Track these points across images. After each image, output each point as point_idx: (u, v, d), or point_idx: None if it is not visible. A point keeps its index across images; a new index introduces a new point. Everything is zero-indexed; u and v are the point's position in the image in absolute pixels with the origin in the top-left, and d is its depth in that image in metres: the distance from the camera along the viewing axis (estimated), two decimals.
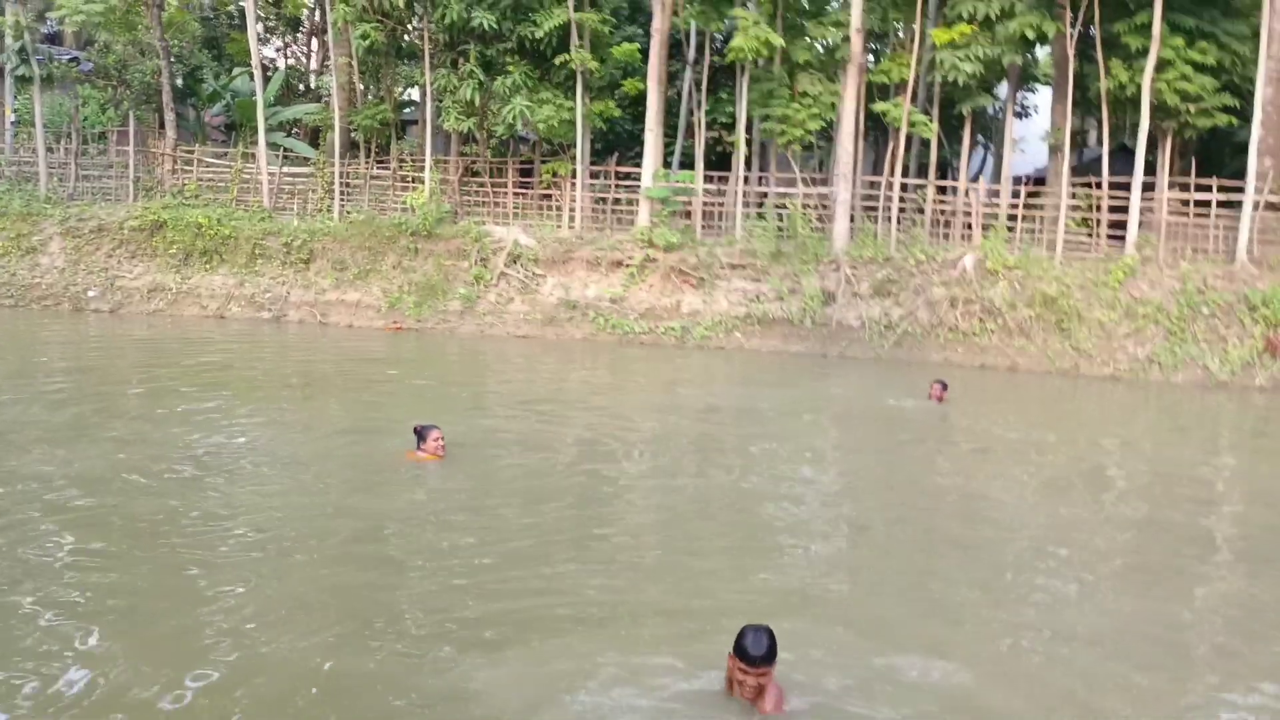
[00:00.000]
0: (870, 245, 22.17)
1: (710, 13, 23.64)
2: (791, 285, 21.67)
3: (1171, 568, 8.43)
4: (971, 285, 20.87)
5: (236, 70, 33.32)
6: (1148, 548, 8.96)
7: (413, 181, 25.93)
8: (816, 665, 5.99)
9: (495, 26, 23.19)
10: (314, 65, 37.30)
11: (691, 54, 26.83)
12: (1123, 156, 26.26)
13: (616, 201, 25.22)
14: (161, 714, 5.29)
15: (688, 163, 25.99)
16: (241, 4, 32.21)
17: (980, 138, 33.63)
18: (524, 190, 25.87)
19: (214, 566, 7.35)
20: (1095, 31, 21.97)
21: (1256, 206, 20.60)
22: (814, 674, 5.85)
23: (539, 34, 23.12)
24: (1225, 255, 21.04)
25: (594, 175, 25.44)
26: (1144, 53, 20.88)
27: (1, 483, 9.12)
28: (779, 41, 22.24)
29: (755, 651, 5.19)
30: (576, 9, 23.07)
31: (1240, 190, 20.80)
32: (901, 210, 23.57)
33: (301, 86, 35.54)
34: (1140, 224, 21.56)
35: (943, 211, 23.94)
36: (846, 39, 22.36)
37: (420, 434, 10.30)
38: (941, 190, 24.23)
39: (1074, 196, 22.69)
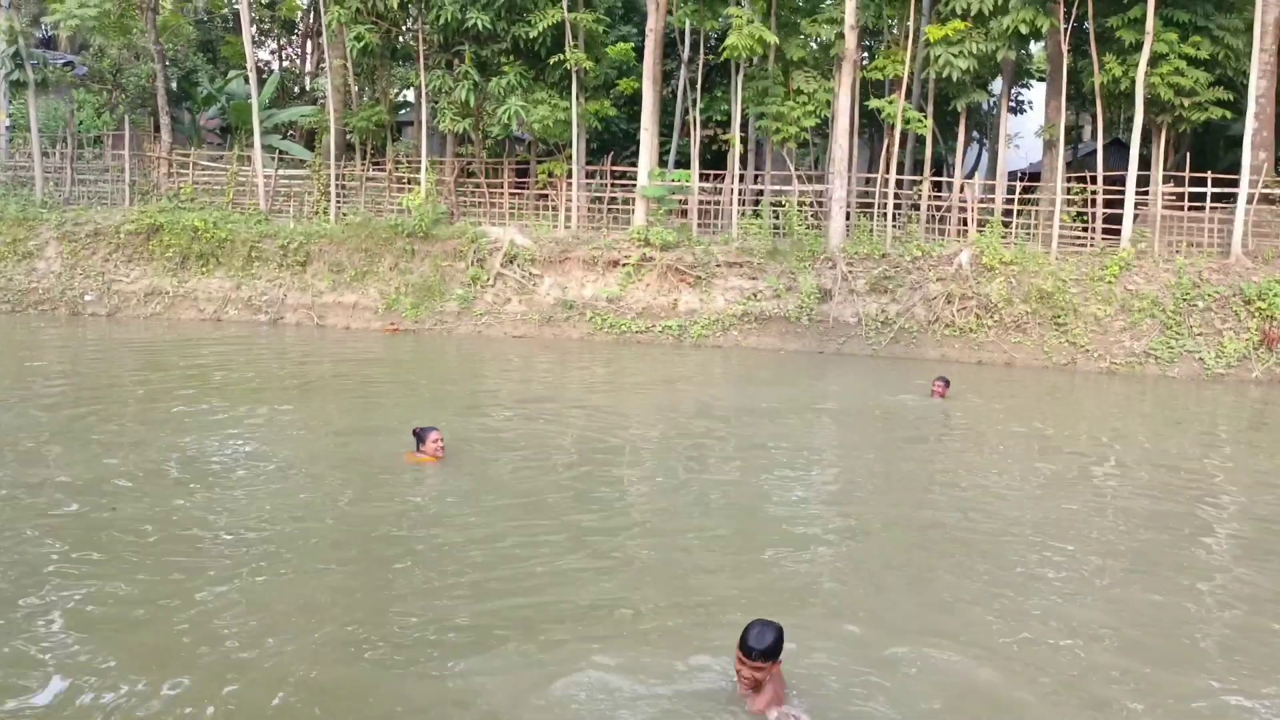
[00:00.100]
0: (866, 242, 22.20)
1: (704, 11, 23.70)
2: (788, 283, 21.70)
3: (1173, 560, 8.48)
4: (968, 281, 20.91)
5: (231, 73, 33.33)
6: (1149, 540, 8.99)
7: (409, 183, 25.93)
8: (818, 661, 6.01)
9: (490, 27, 23.20)
10: (309, 67, 37.34)
11: (686, 52, 26.86)
12: (1117, 151, 26.35)
13: (612, 201, 25.24)
14: (160, 716, 5.31)
15: (683, 161, 26.03)
16: (236, 7, 32.20)
17: (975, 133, 33.67)
18: (520, 190, 25.89)
19: (211, 569, 7.35)
20: (1089, 26, 22.03)
21: (1251, 200, 20.67)
22: (816, 670, 5.87)
23: (533, 34, 23.13)
24: (1220, 249, 21.10)
25: (590, 175, 25.47)
26: (1138, 47, 20.94)
27: None
28: (773, 39, 22.29)
29: (755, 644, 5.22)
30: (571, 9, 23.09)
31: (1235, 184, 20.85)
32: (897, 207, 23.62)
33: (296, 89, 35.57)
34: (1135, 218, 21.62)
35: (938, 208, 24.00)
36: (841, 36, 22.38)
37: (419, 436, 10.31)
38: (937, 186, 24.30)
39: (1069, 191, 22.74)
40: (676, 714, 5.44)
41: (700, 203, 24.71)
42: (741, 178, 24.81)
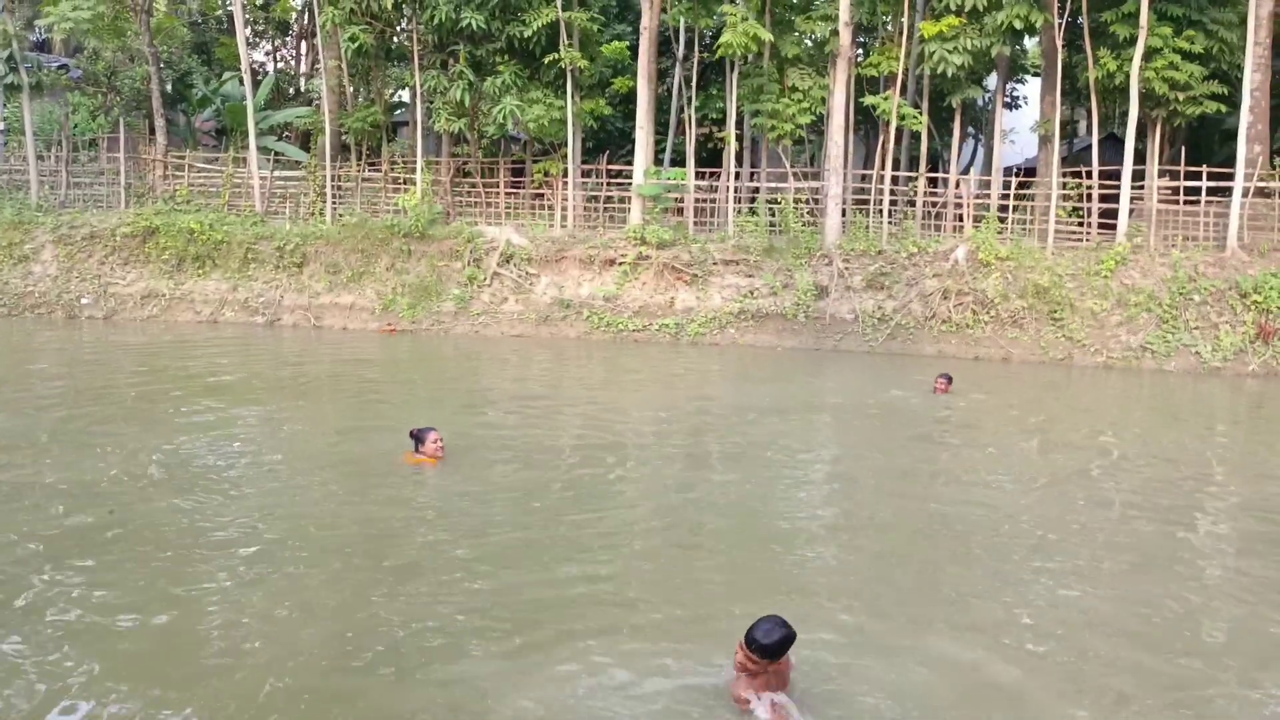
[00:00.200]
0: (862, 239, 22.22)
1: (699, 9, 23.69)
2: (784, 280, 21.71)
3: (1173, 552, 8.52)
4: (964, 277, 20.93)
5: (226, 75, 33.32)
6: (1150, 533, 9.01)
7: (404, 183, 25.93)
8: (820, 656, 6.01)
9: (484, 26, 23.20)
10: (304, 69, 37.32)
11: (681, 50, 26.88)
12: (1112, 146, 26.36)
13: (608, 200, 25.24)
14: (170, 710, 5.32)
15: (679, 159, 26.05)
16: (230, 9, 32.18)
17: (970, 129, 33.72)
18: (516, 190, 25.89)
19: (209, 571, 7.35)
20: (1083, 21, 22.05)
21: (1246, 193, 20.69)
22: (818, 666, 5.88)
23: (528, 33, 23.14)
24: (1216, 242, 21.12)
25: (585, 174, 25.46)
26: (1132, 42, 20.96)
27: None
28: (768, 36, 22.29)
29: (760, 638, 5.24)
30: (565, 8, 23.08)
31: (1230, 177, 20.88)
32: (893, 203, 23.63)
33: (291, 90, 35.56)
34: (1131, 213, 21.65)
35: (934, 204, 24.01)
36: (835, 33, 22.39)
37: (417, 437, 10.28)
38: (932, 182, 24.31)
39: (1064, 186, 22.76)
40: (676, 712, 5.45)
41: (696, 201, 24.71)
42: (737, 175, 24.82)
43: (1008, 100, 30.42)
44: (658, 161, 25.36)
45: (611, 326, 21.86)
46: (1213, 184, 21.50)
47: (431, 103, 24.84)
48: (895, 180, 23.86)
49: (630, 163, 24.54)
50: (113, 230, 24.62)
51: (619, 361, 19.29)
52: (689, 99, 25.71)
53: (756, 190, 25.17)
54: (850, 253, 21.88)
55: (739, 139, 24.92)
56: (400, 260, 23.59)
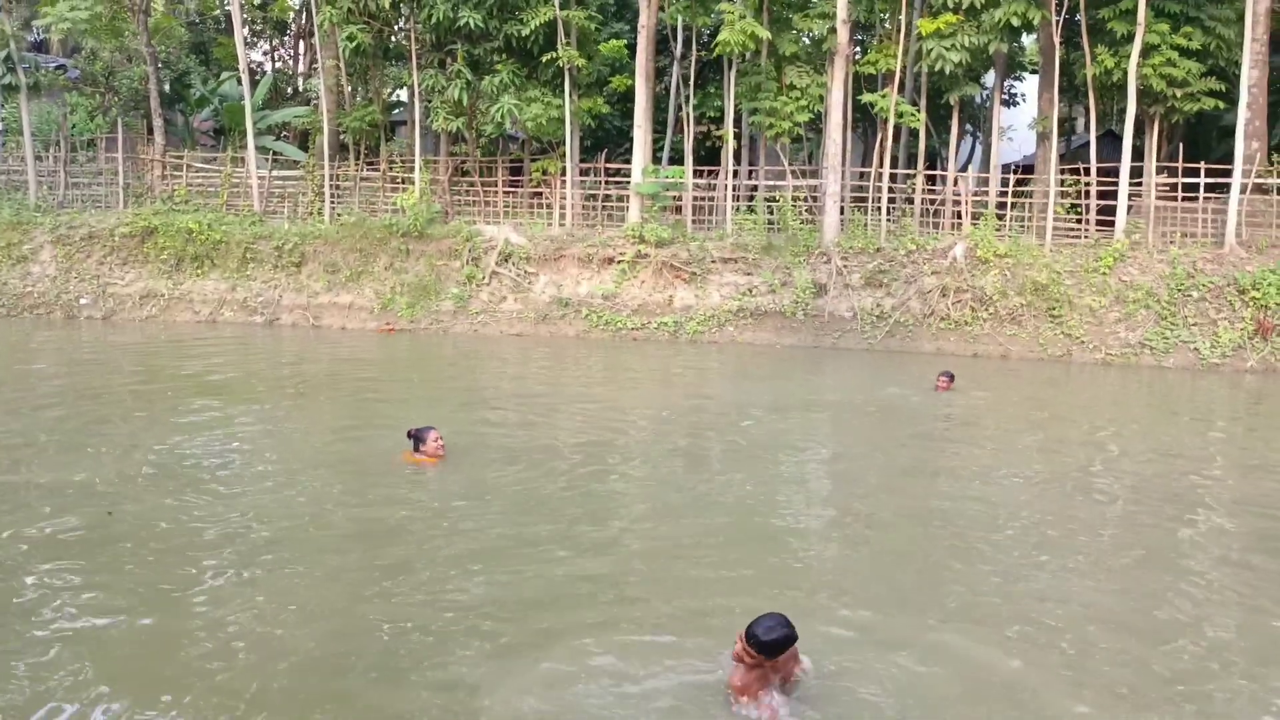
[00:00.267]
0: (861, 236, 22.23)
1: (696, 7, 23.68)
2: (783, 278, 21.71)
3: (1176, 547, 8.55)
4: (962, 274, 20.94)
5: (224, 75, 33.30)
6: (1152, 529, 9.01)
7: (403, 182, 25.93)
8: (820, 654, 6.01)
9: (482, 25, 23.20)
10: (302, 68, 37.30)
11: (679, 49, 26.87)
12: (1110, 142, 26.39)
13: (607, 198, 25.25)
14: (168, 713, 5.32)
15: (677, 158, 26.06)
16: (228, 8, 32.18)
17: (968, 127, 33.72)
18: (514, 189, 25.89)
19: (207, 572, 7.34)
20: (1081, 18, 22.06)
21: (1244, 190, 20.70)
22: (817, 662, 5.87)
23: (525, 32, 23.13)
24: (1214, 239, 21.14)
25: (584, 172, 25.46)
26: (1129, 38, 20.98)
27: None
28: (765, 34, 22.29)
29: (759, 634, 5.24)
30: (562, 6, 23.08)
31: (1228, 174, 20.89)
32: (891, 201, 23.65)
33: (289, 90, 35.55)
34: (1129, 209, 21.66)
35: (932, 201, 24.02)
36: (833, 30, 22.39)
37: (417, 437, 10.26)
38: (931, 180, 24.31)
39: (1063, 183, 22.77)
40: (674, 709, 5.46)
41: (694, 199, 24.72)
42: (735, 173, 24.82)
43: (1006, 97, 30.43)
44: (656, 160, 25.37)
45: (610, 325, 21.87)
46: (1211, 180, 21.52)
47: (429, 102, 24.83)
48: (893, 178, 23.87)
49: (628, 161, 24.54)
50: (111, 230, 24.62)
51: (618, 360, 19.30)
52: (687, 97, 25.72)
53: (755, 188, 25.18)
54: (849, 250, 21.88)
55: (737, 137, 24.93)
56: (399, 260, 23.59)
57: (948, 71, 22.42)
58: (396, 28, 26.16)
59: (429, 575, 7.40)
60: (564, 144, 24.43)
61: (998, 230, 22.11)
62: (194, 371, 16.98)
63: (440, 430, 10.36)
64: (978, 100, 29.96)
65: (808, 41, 24.48)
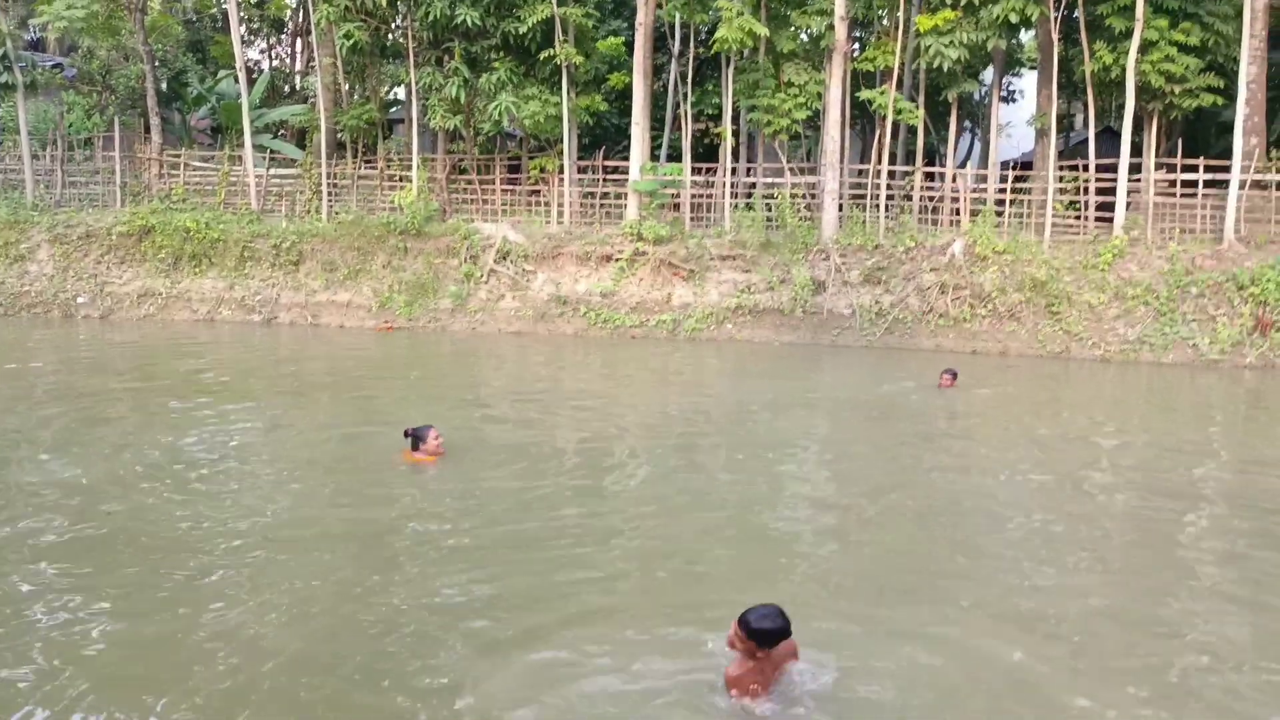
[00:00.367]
0: (859, 233, 22.20)
1: (694, 4, 23.63)
2: (781, 275, 21.69)
3: (1181, 543, 8.59)
4: (961, 271, 20.92)
5: (221, 73, 33.25)
6: (1158, 525, 9.05)
7: (400, 180, 25.89)
8: (822, 649, 6.00)
9: (479, 23, 23.15)
10: (299, 66, 37.23)
11: (676, 46, 26.83)
12: (1109, 139, 26.36)
13: (605, 196, 25.21)
14: (161, 715, 5.30)
15: (675, 155, 26.02)
16: (224, 6, 32.13)
17: (967, 123, 33.71)
18: (512, 187, 25.86)
19: (206, 571, 7.32)
20: (1079, 14, 22.02)
21: (1243, 185, 20.68)
22: (818, 659, 5.86)
23: (523, 29, 23.09)
24: (1213, 235, 21.12)
25: (581, 170, 25.43)
26: (1128, 34, 20.95)
27: None
28: (763, 31, 22.25)
29: (751, 620, 5.25)
30: (560, 4, 23.03)
31: (1226, 170, 20.87)
32: (889, 197, 23.62)
33: (287, 88, 35.48)
34: (1128, 206, 21.64)
35: (931, 198, 23.99)
36: (831, 27, 22.35)
37: (416, 435, 10.21)
38: (929, 177, 24.28)
39: (1061, 180, 22.75)
40: (670, 704, 5.44)
41: (693, 196, 24.69)
42: (734, 171, 24.79)
43: (1004, 94, 30.38)
44: (654, 157, 25.33)
45: (609, 323, 21.85)
46: (1209, 176, 21.50)
47: (427, 100, 24.79)
48: (892, 175, 23.85)
49: (626, 159, 24.51)
50: (109, 229, 24.58)
51: (616, 358, 19.28)
52: (685, 94, 25.68)
53: (753, 185, 25.15)
54: (847, 247, 21.86)
55: (735, 134, 24.89)
56: (397, 258, 23.56)
57: (946, 68, 22.39)
58: (394, 25, 26.12)
59: (423, 572, 7.40)
60: (562, 141, 24.39)
61: (996, 227, 22.09)
62: (191, 370, 16.95)
63: (439, 428, 10.34)
64: (976, 97, 29.97)
65: (806, 38, 24.44)
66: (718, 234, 23.15)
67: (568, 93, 23.65)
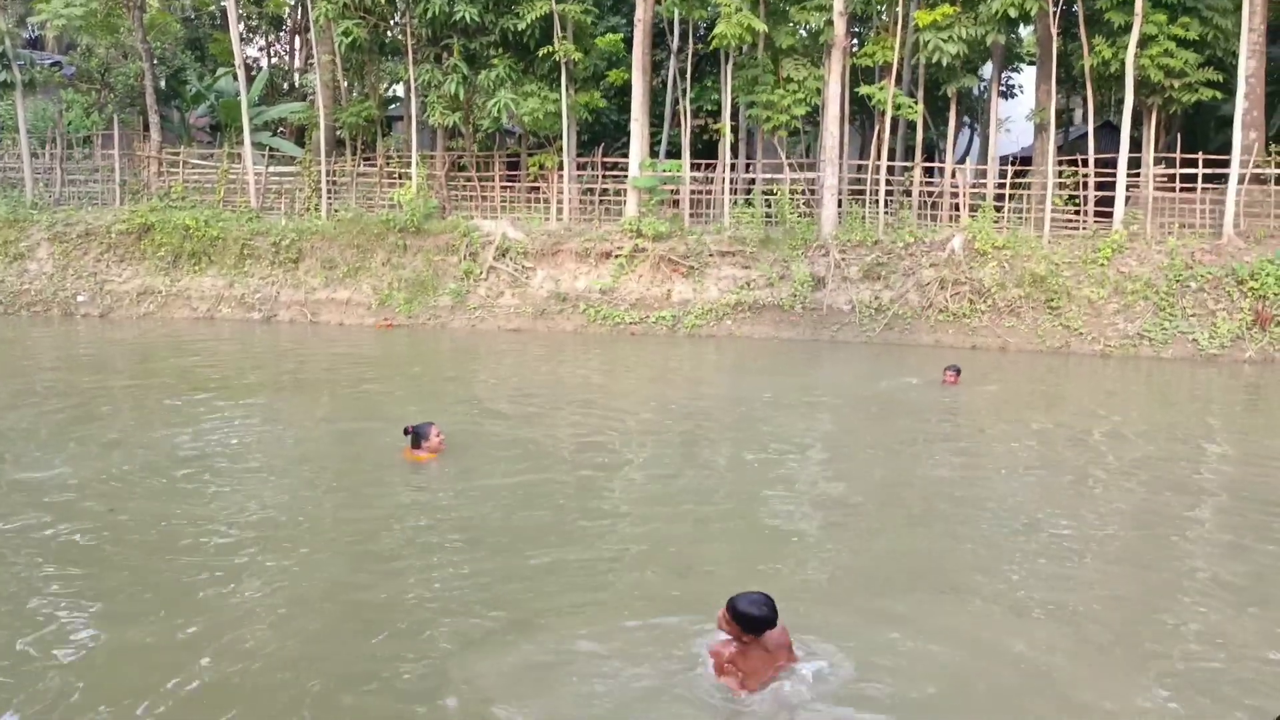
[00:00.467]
0: (858, 229, 22.19)
1: (693, 0, 23.61)
2: (781, 271, 21.69)
3: (1188, 539, 8.62)
4: (960, 266, 20.92)
5: (220, 71, 33.19)
6: (1169, 521, 9.05)
7: (400, 178, 25.89)
8: (823, 642, 6.01)
9: (478, 20, 23.14)
10: (298, 64, 37.19)
11: (675, 42, 26.78)
12: (1108, 134, 26.35)
13: (604, 192, 25.21)
14: (155, 716, 5.29)
15: (674, 151, 26.00)
16: (223, 4, 32.09)
17: (966, 119, 33.66)
18: (511, 184, 25.85)
19: (206, 570, 7.30)
20: (1078, 9, 22.01)
21: (1242, 180, 20.68)
22: (823, 652, 5.87)
23: (522, 26, 23.09)
24: (1212, 229, 21.12)
25: (581, 167, 25.42)
26: (1127, 29, 20.93)
27: None
28: (762, 27, 22.23)
29: (738, 602, 5.32)
30: (558, 0, 23.02)
31: (1226, 164, 20.86)
32: (889, 193, 23.61)
33: (286, 85, 35.43)
34: (1127, 200, 21.64)
35: (930, 193, 23.99)
36: (830, 23, 22.33)
37: (416, 432, 10.19)
38: (928, 172, 24.27)
39: (1060, 175, 22.74)
40: (669, 701, 5.45)
41: (692, 193, 24.69)
42: (733, 167, 24.77)
43: (1003, 89, 30.34)
44: (653, 154, 25.31)
45: (608, 319, 21.85)
46: (1209, 171, 21.49)
47: (426, 97, 24.78)
48: (891, 170, 23.84)
49: (626, 155, 24.50)
50: (108, 227, 24.58)
51: (616, 354, 19.28)
52: (684, 91, 25.66)
53: (752, 181, 25.13)
54: (846, 243, 21.86)
55: (734, 130, 24.87)
56: (396, 255, 23.56)
57: (945, 63, 22.38)
58: (392, 22, 26.11)
59: (420, 569, 7.41)
60: (561, 138, 24.38)
61: (996, 222, 22.09)
62: (192, 368, 16.95)
63: (438, 426, 10.35)
64: (975, 92, 29.94)
65: (805, 34, 24.39)
66: (717, 230, 23.14)
67: (567, 89, 23.64)
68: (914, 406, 14.35)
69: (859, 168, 24.83)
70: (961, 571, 7.56)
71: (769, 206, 23.34)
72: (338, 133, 27.14)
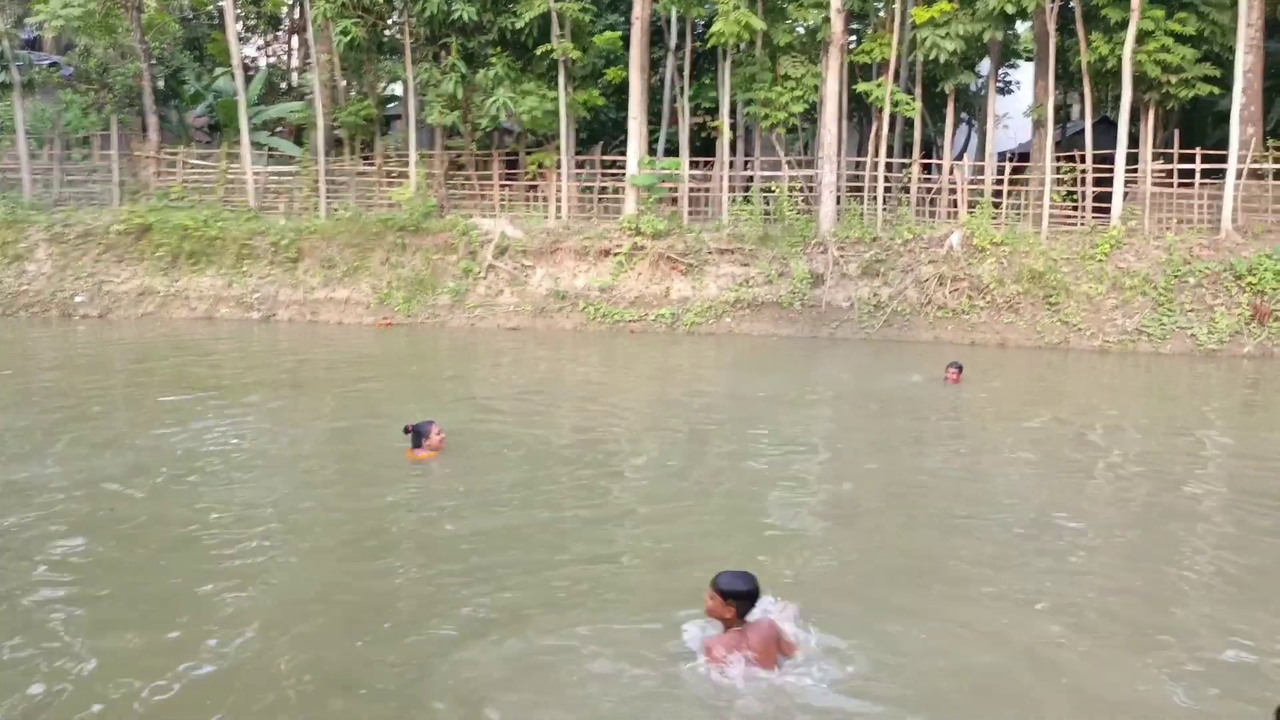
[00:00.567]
0: (857, 226, 22.22)
1: None
2: (780, 268, 21.71)
3: (1178, 532, 8.61)
4: (959, 263, 20.94)
5: (218, 70, 33.16)
6: (1163, 514, 9.09)
7: (398, 177, 25.89)
8: (824, 636, 6.03)
9: (475, 18, 23.14)
10: (295, 63, 37.18)
11: (673, 40, 26.79)
12: (1106, 129, 26.35)
13: (603, 190, 25.22)
14: (145, 714, 5.30)
15: (673, 149, 26.00)
16: (221, 3, 32.07)
17: (964, 115, 33.63)
18: (510, 182, 25.86)
19: (195, 568, 7.28)
20: (1075, 5, 22.01)
21: (1240, 175, 20.70)
22: (822, 650, 5.89)
23: (519, 24, 23.09)
24: (1210, 225, 21.14)
25: (579, 165, 25.43)
26: (1124, 25, 20.95)
27: None
28: (760, 25, 22.24)
29: (720, 579, 5.46)
30: None
31: (1223, 159, 20.88)
32: (887, 190, 23.64)
33: (284, 85, 35.42)
34: (1125, 196, 21.66)
35: (928, 190, 24.02)
36: (827, 20, 22.35)
37: (417, 431, 10.18)
38: (926, 169, 24.31)
39: (1058, 171, 22.77)
40: (666, 696, 5.46)
41: (690, 190, 24.70)
42: (731, 164, 24.78)
43: (1001, 85, 30.39)
44: (651, 151, 25.32)
45: (607, 317, 21.87)
46: (1206, 166, 21.51)
47: (424, 96, 24.79)
48: (889, 167, 23.86)
49: (624, 153, 24.52)
50: (107, 228, 24.57)
51: (616, 352, 19.31)
52: (682, 88, 25.66)
53: (751, 179, 25.14)
54: (845, 240, 21.88)
55: (733, 128, 24.88)
56: (395, 254, 23.57)
57: (943, 60, 22.41)
58: (390, 22, 26.11)
59: (417, 566, 7.41)
60: (559, 136, 24.39)
61: (994, 218, 22.11)
62: (191, 369, 16.96)
63: (439, 424, 10.35)
64: (973, 88, 29.93)
65: (802, 31, 24.40)
66: (716, 228, 23.16)
67: (565, 88, 23.64)
68: (916, 404, 14.36)
69: (857, 165, 24.84)
70: (968, 566, 7.58)
71: (767, 204, 23.36)
72: (336, 132, 27.14)
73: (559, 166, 24.55)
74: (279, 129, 31.94)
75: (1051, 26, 22.08)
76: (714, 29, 22.43)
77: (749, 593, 5.46)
